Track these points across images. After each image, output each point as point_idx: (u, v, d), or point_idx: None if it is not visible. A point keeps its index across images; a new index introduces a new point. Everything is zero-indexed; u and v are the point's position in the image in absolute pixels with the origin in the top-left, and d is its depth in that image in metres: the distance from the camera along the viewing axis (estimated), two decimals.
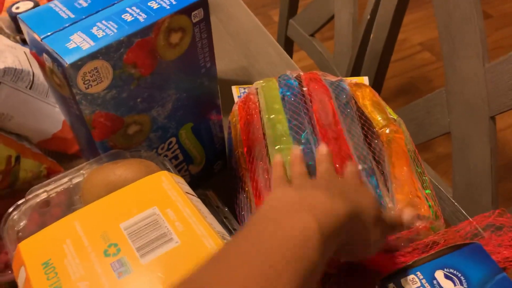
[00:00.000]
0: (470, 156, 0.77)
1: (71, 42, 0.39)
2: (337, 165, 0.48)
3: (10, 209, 0.39)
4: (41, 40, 0.39)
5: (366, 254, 0.39)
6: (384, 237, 0.40)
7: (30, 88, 0.53)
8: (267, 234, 0.29)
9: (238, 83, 0.79)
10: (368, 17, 0.91)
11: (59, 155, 0.63)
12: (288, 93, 0.55)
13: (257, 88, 0.58)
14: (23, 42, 0.73)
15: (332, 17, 1.08)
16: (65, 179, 0.42)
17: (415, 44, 2.07)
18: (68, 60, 0.37)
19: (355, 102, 0.56)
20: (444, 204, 0.84)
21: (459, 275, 0.38)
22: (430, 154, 1.60)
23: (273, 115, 0.53)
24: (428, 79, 1.90)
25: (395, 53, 2.20)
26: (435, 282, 0.38)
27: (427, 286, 0.38)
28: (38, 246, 0.35)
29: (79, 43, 0.39)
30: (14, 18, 0.75)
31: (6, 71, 0.50)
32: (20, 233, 0.39)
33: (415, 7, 2.16)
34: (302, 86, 0.57)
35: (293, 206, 0.32)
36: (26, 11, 0.74)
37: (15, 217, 0.39)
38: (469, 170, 0.78)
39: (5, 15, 0.75)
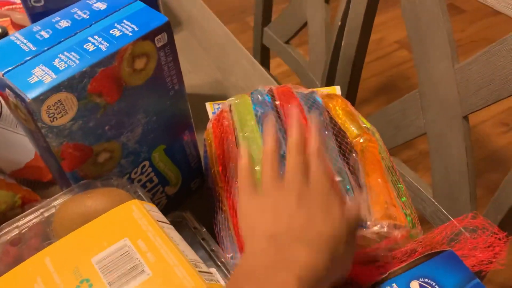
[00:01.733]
0: (446, 155, 0.78)
1: (33, 76, 0.38)
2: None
3: None
4: (3, 76, 0.39)
5: (345, 278, 0.39)
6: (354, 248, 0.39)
7: None
8: None
9: (213, 97, 0.79)
10: (339, 22, 0.92)
11: (34, 183, 0.63)
12: (261, 109, 0.55)
13: (230, 105, 0.58)
14: None
15: (306, 24, 1.09)
16: (37, 213, 0.42)
17: (392, 42, 2.09)
18: (30, 95, 0.37)
19: (328, 113, 0.56)
20: (424, 204, 0.85)
21: (434, 284, 0.39)
22: (412, 152, 1.62)
23: (248, 133, 0.53)
24: (407, 76, 1.92)
25: (372, 53, 2.23)
26: None
27: None
28: (8, 287, 0.34)
29: (41, 77, 0.38)
30: None
31: None
32: None
33: (389, 6, 2.19)
34: (275, 100, 0.57)
35: (271, 264, 0.32)
36: None
37: None
38: (446, 169, 0.79)
39: None
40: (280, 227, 0.36)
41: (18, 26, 0.72)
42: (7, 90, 0.40)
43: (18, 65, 0.40)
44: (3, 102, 0.54)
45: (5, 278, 0.35)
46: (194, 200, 0.60)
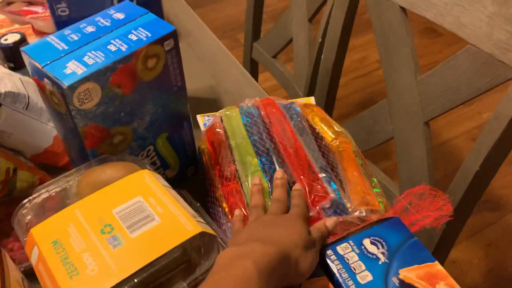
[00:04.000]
0: (411, 157, 0.89)
1: (68, 68, 0.48)
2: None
3: (20, 205, 0.48)
4: (42, 68, 0.49)
5: (303, 278, 0.48)
6: (317, 256, 0.49)
7: (26, 109, 0.62)
8: (220, 279, 0.40)
9: (207, 100, 0.89)
10: (320, 39, 1.03)
11: (49, 168, 0.72)
12: (249, 120, 0.64)
13: (221, 117, 0.67)
14: (12, 70, 0.82)
15: (291, 40, 1.20)
16: (63, 180, 0.51)
17: (374, 61, 2.23)
18: (66, 83, 0.47)
19: (307, 120, 0.66)
20: (392, 201, 0.95)
21: (382, 241, 0.49)
22: (389, 163, 1.73)
23: (240, 140, 0.62)
24: (386, 93, 2.04)
25: (355, 71, 2.34)
26: (363, 247, 0.48)
27: (357, 250, 0.48)
28: (47, 230, 0.43)
29: (74, 69, 0.48)
30: (3, 48, 0.83)
31: (6, 94, 0.59)
32: (28, 225, 0.48)
33: (371, 28, 2.33)
34: (260, 111, 0.66)
35: (235, 256, 0.43)
36: (14, 42, 0.83)
37: (24, 211, 0.48)
38: (411, 169, 0.90)
39: None
40: (245, 238, 0.48)
41: (39, 33, 0.81)
42: (45, 79, 0.49)
43: (54, 60, 0.50)
44: (30, 94, 0.64)
45: (44, 224, 0.44)
46: (189, 185, 0.69)
